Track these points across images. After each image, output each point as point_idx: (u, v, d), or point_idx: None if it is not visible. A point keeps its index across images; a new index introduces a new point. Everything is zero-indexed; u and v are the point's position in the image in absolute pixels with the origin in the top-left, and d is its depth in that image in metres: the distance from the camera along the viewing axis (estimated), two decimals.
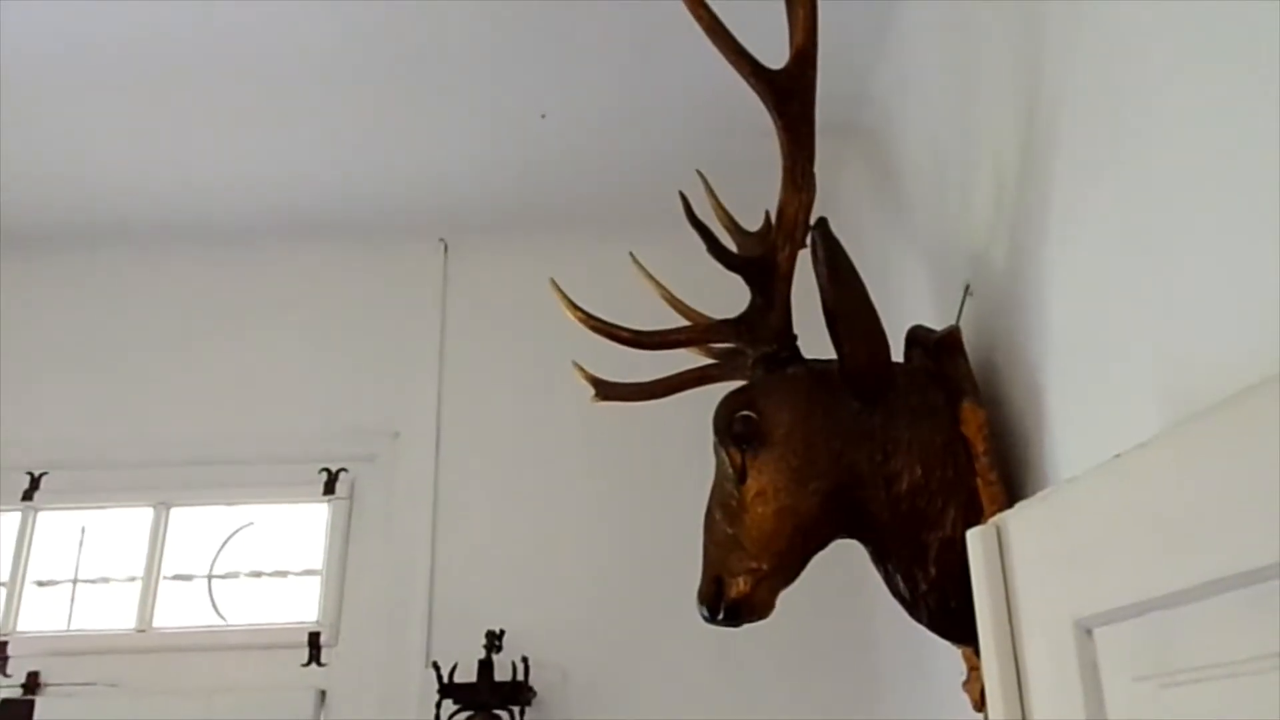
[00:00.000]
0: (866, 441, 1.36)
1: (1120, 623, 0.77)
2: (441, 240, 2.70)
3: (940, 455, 1.32)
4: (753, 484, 1.37)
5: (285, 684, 2.33)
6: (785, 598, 1.38)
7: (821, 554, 1.39)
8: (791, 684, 2.28)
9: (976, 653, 1.34)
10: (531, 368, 2.54)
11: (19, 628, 2.42)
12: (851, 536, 1.41)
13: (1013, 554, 0.93)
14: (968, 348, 1.40)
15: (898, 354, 1.47)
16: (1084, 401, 1.13)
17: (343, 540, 2.46)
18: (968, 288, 1.48)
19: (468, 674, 2.20)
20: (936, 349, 1.39)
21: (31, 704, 2.31)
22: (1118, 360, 1.02)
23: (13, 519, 2.53)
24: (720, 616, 1.36)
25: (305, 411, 2.56)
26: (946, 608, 1.30)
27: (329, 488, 2.50)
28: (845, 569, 1.61)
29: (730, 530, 1.38)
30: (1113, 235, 1.02)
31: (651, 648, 2.31)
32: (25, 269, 2.67)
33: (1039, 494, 0.95)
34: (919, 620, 1.36)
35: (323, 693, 2.33)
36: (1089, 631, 0.81)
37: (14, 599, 2.45)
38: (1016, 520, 0.94)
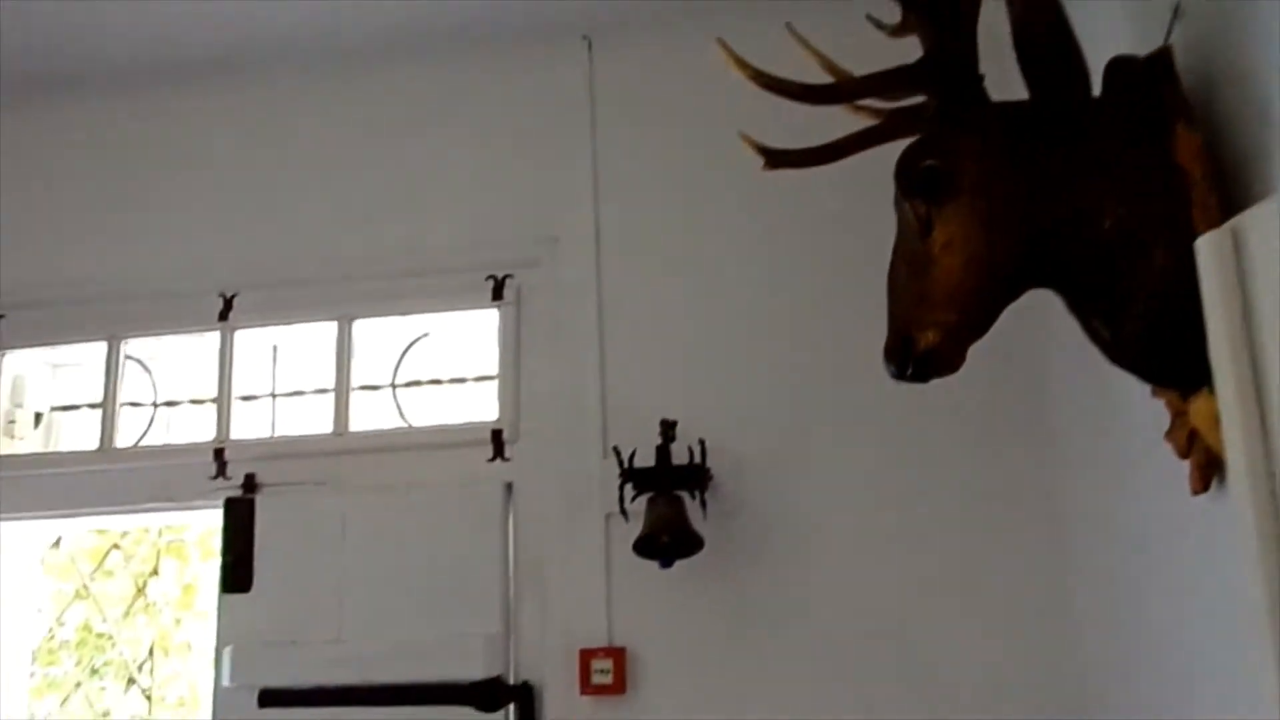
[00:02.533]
0: (1064, 182, 1.29)
1: None
2: (585, 37, 2.63)
3: (1148, 188, 1.23)
4: (940, 235, 1.32)
5: (474, 478, 2.47)
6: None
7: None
8: (967, 452, 2.26)
9: (1182, 397, 1.30)
10: (686, 156, 2.50)
11: (232, 436, 2.63)
12: (1046, 285, 1.36)
13: (1252, 257, 0.86)
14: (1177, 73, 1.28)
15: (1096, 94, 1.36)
16: None
17: (514, 343, 2.54)
18: (1178, 7, 1.34)
19: (646, 461, 2.27)
20: (1145, 71, 1.28)
21: (252, 502, 2.53)
22: None
23: (213, 339, 2.71)
24: (909, 372, 1.34)
25: (467, 221, 2.61)
26: (1155, 348, 1.24)
27: (496, 294, 2.56)
28: (1022, 329, 1.56)
29: (917, 285, 1.34)
30: None
31: (825, 426, 2.33)
32: (201, 100, 2.78)
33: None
34: (1124, 365, 1.31)
35: (509, 485, 2.46)
36: None
37: (224, 411, 2.65)
38: (1256, 219, 0.86)
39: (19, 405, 2.83)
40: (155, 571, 5.91)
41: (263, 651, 2.43)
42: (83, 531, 5.59)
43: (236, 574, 2.49)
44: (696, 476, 2.20)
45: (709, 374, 2.41)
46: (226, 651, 2.44)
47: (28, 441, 2.85)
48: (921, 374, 1.33)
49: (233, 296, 2.68)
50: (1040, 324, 1.85)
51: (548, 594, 2.37)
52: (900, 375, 1.35)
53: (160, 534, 5.94)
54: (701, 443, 2.23)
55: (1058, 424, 2.19)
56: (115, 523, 3.15)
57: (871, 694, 2.20)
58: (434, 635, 2.36)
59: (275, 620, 2.44)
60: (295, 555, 2.48)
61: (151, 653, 5.83)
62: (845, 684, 2.21)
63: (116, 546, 5.99)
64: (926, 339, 1.32)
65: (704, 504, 2.22)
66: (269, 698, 2.40)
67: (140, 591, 5.92)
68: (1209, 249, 0.90)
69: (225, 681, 2.43)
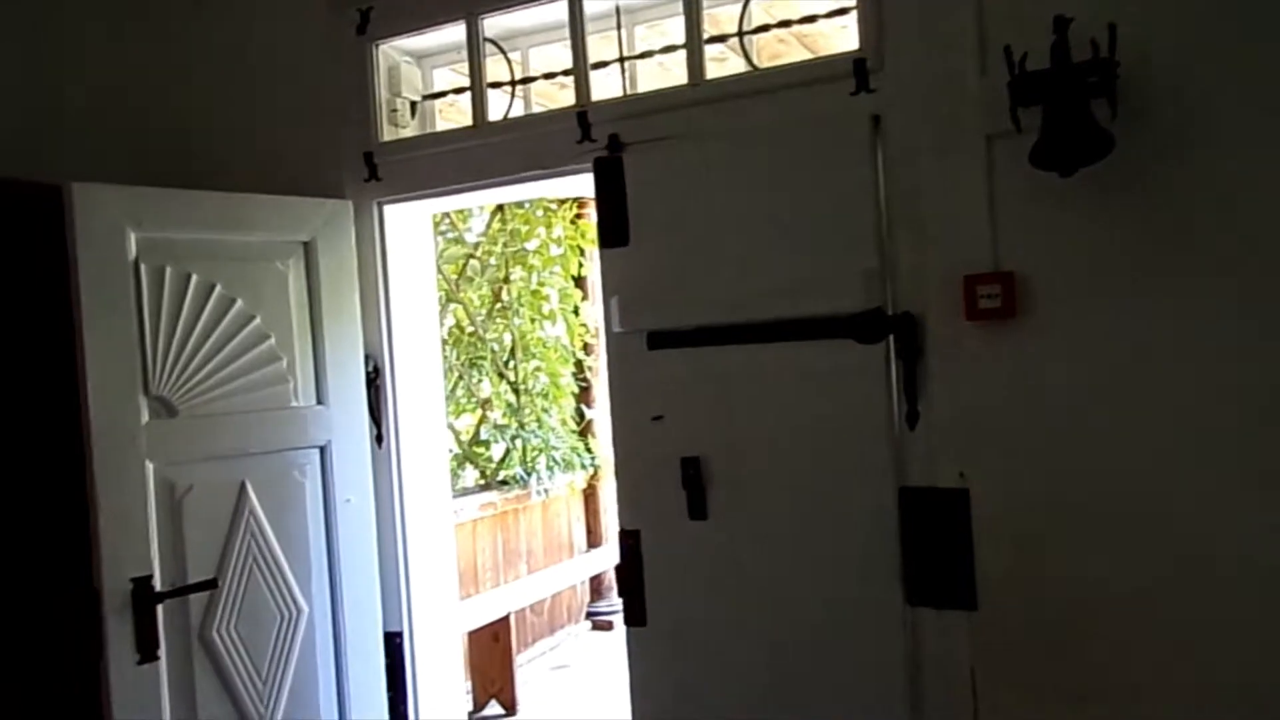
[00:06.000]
0: None
1: None
2: None
3: None
4: None
5: (838, 114, 2.37)
6: None
7: None
8: None
9: None
10: None
11: (592, 98, 2.68)
12: None
13: None
14: None
15: None
16: None
17: None
18: None
19: (1039, 65, 2.04)
20: None
21: (619, 160, 2.60)
22: None
23: (561, 7, 2.71)
24: None
25: None
26: None
27: None
28: None
29: None
30: None
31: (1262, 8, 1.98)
32: None
33: None
34: None
35: (876, 117, 2.34)
36: None
37: (581, 75, 2.69)
38: None
39: (397, 94, 3.03)
40: (506, 279, 6.47)
41: (646, 298, 2.56)
42: (442, 239, 6.17)
43: (614, 230, 2.61)
44: (1103, 71, 1.94)
45: None
46: (613, 301, 2.60)
47: (409, 129, 3.07)
48: None
49: None
50: None
51: (925, 224, 2.29)
52: None
53: (505, 245, 6.46)
54: (1111, 28, 1.95)
55: None
56: (493, 196, 3.36)
57: None
58: (809, 273, 2.37)
59: (655, 269, 2.56)
60: (666, 207, 2.54)
61: (513, 351, 6.51)
62: (1270, 314, 2.00)
63: (472, 256, 6.60)
64: None
65: (1113, 103, 1.98)
66: (657, 339, 2.56)
67: (496, 297, 6.54)
68: None
69: (615, 327, 2.61)
